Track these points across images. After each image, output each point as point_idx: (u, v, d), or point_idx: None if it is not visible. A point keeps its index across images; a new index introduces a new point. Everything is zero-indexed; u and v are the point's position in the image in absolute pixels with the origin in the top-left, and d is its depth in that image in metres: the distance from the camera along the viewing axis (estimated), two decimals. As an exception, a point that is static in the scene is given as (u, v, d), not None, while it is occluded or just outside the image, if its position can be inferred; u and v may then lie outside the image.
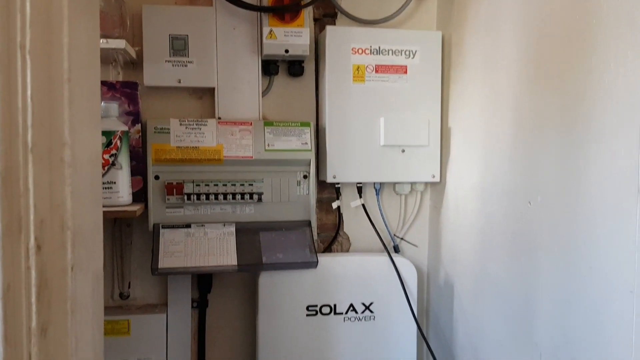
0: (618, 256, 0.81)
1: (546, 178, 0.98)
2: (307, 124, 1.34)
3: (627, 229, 0.79)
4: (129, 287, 1.36)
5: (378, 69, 1.34)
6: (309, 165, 1.33)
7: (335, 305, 1.33)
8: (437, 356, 1.33)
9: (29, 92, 0.36)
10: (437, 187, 1.44)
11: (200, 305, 1.39)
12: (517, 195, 1.07)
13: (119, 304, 1.36)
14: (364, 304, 1.34)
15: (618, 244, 0.81)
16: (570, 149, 0.92)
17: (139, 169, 1.28)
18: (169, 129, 1.28)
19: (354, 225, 1.46)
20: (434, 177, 1.39)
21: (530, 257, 1.03)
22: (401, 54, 1.35)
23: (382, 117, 1.35)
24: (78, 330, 0.45)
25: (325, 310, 1.33)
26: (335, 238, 1.45)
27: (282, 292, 1.31)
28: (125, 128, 1.22)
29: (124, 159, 1.21)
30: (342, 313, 1.33)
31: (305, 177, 1.35)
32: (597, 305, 0.86)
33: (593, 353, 0.87)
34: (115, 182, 1.19)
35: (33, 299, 0.38)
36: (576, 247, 0.90)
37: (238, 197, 1.30)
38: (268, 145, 1.32)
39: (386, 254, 1.37)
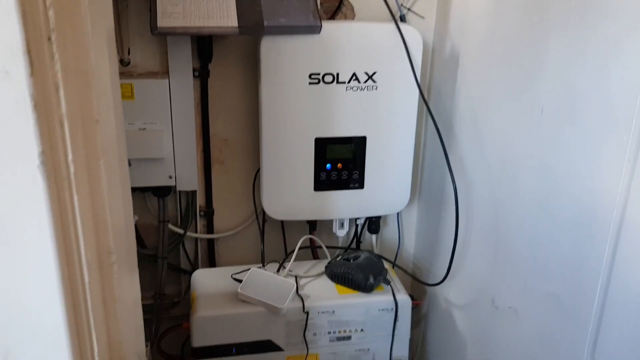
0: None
1: None
2: None
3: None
4: (129, 53, 1.34)
5: None
6: None
7: (337, 74, 1.33)
8: (438, 124, 1.37)
9: None
10: (449, -48, 1.35)
11: (202, 74, 1.39)
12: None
13: (120, 70, 1.35)
14: (366, 74, 1.34)
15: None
16: None
17: None
18: None
19: (359, -6, 1.40)
20: (447, -61, 1.30)
21: (543, 15, 1.01)
22: None
23: None
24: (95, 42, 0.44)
25: (328, 79, 1.33)
26: (339, 8, 1.40)
27: (284, 59, 1.30)
28: None
29: None
30: (344, 82, 1.34)
31: None
32: (606, 59, 0.85)
33: (593, 106, 0.89)
34: None
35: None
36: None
37: (237, -45, 1.23)
38: None
39: (392, 23, 1.33)
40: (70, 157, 0.41)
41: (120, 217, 0.60)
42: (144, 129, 1.34)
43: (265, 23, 1.23)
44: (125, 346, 0.59)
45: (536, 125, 1.04)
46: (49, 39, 0.37)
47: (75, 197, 0.42)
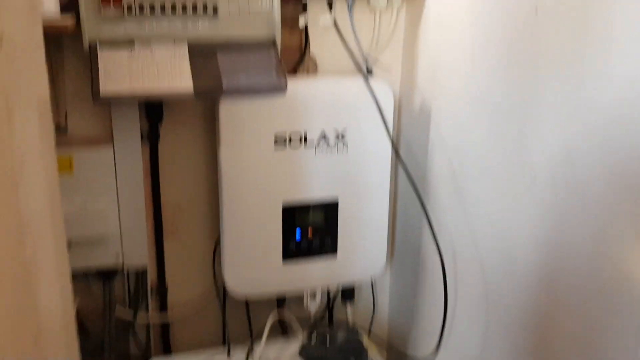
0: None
1: (561, -23, 0.90)
2: None
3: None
4: (66, 118, 1.23)
5: None
6: (272, -30, 1.18)
7: (305, 135, 1.26)
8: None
9: None
10: (415, 1, 1.33)
11: (151, 137, 1.29)
12: (520, 1, 0.99)
13: (56, 138, 1.23)
14: (336, 132, 1.28)
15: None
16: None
17: (64, -28, 1.09)
18: None
19: (322, 46, 1.35)
20: (414, -13, 1.27)
21: (530, 71, 0.98)
22: None
23: None
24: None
25: (295, 141, 1.26)
26: (300, 61, 1.34)
27: (246, 121, 1.23)
28: None
29: (45, -43, 1.01)
30: (312, 143, 1.27)
31: (267, -14, 1.20)
32: (612, 110, 0.83)
33: (600, 170, 0.86)
34: (37, -13, 1.01)
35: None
36: (592, 52, 0.85)
37: (189, 9, 1.15)
38: (223, -57, 1.14)
39: (359, 77, 1.29)
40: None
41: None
42: (85, 205, 1.22)
43: (224, 84, 1.15)
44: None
45: (528, 192, 1.01)
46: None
47: None
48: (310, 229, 1.33)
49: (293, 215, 1.30)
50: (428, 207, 1.31)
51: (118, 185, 1.26)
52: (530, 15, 0.97)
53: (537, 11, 0.95)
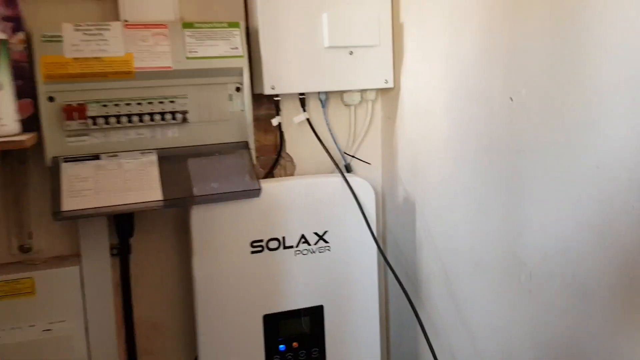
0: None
1: (532, 65, 0.87)
2: (236, 25, 1.16)
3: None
4: (30, 237, 1.17)
5: (317, -49, 1.17)
6: (241, 74, 1.16)
7: (284, 238, 1.20)
8: (401, 280, 1.25)
9: None
10: (389, 94, 1.31)
11: (122, 251, 1.22)
12: (494, 91, 0.96)
13: (19, 258, 1.16)
14: (317, 234, 1.22)
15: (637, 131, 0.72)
16: (565, 21, 0.81)
17: (26, 89, 1.07)
18: (61, 36, 1.06)
19: (298, 144, 1.32)
20: (386, 82, 1.26)
21: (513, 160, 0.94)
22: None
23: (325, 13, 1.19)
24: None
25: (273, 244, 1.20)
26: (277, 161, 1.31)
27: (220, 228, 1.17)
28: (4, 36, 1.00)
29: (4, 76, 0.99)
30: (292, 246, 1.21)
31: (238, 89, 1.18)
32: (603, 199, 0.77)
33: (599, 263, 0.79)
34: (-5, 106, 0.98)
35: None
36: (578, 143, 0.80)
37: (157, 117, 1.12)
38: (190, 52, 1.13)
39: (337, 174, 1.25)
40: None
41: None
42: (49, 330, 1.13)
43: (195, 192, 1.10)
44: None
45: (525, 291, 0.94)
46: None
47: None
48: (295, 340, 1.23)
49: (275, 325, 1.22)
50: (421, 310, 1.23)
51: (86, 306, 1.18)
52: (506, 102, 0.94)
53: (512, 99, 0.92)
